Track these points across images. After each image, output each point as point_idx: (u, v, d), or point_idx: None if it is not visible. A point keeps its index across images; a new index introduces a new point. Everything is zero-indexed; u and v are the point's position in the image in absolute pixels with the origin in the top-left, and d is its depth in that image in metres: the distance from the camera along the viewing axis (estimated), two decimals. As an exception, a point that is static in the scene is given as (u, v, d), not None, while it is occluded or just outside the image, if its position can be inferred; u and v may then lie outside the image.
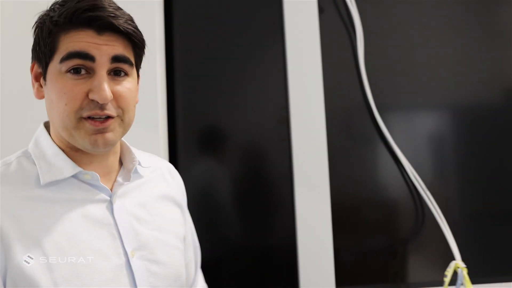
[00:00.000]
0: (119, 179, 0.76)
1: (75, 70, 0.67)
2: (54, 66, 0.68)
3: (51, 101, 0.69)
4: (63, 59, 0.66)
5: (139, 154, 0.80)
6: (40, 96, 0.72)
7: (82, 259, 0.65)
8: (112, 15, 0.67)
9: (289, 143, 1.39)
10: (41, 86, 0.72)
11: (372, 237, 1.42)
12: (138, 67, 0.76)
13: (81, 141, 0.68)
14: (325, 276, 1.34)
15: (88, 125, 0.67)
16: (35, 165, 0.70)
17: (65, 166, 0.70)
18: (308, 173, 1.37)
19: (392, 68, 1.47)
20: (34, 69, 0.73)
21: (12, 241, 0.61)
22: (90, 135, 0.67)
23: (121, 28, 0.67)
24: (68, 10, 0.66)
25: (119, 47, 0.68)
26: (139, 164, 0.78)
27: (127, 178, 0.76)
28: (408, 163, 1.42)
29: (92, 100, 0.66)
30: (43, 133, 0.74)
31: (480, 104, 1.48)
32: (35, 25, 0.71)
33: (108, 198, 0.72)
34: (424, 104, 1.49)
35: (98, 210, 0.70)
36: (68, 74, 0.67)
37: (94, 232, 0.68)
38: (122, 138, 0.76)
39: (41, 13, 0.71)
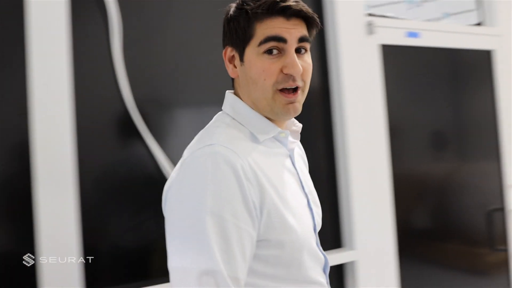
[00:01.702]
0: (290, 138, 0.92)
1: (269, 51, 0.82)
2: (252, 49, 0.84)
3: (250, 78, 0.85)
4: (261, 43, 0.82)
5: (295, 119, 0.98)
6: (235, 75, 0.89)
7: (294, 199, 0.85)
8: (295, 3, 0.82)
9: (29, 138, 1.23)
10: (235, 66, 0.88)
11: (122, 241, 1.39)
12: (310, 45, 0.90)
13: (277, 109, 0.84)
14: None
15: (282, 97, 0.83)
16: (244, 126, 0.87)
17: (270, 128, 0.87)
18: (52, 172, 1.23)
19: (153, 65, 1.46)
20: (228, 53, 0.89)
21: (264, 181, 0.79)
22: (284, 105, 0.84)
23: (303, 13, 0.83)
24: (266, 2, 0.81)
25: (302, 29, 0.84)
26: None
27: (296, 137, 0.95)
28: (168, 160, 1.40)
29: (286, 74, 0.82)
30: (241, 103, 0.89)
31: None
32: (227, 18, 0.88)
33: (288, 152, 0.92)
34: (184, 101, 1.51)
35: (288, 162, 0.91)
36: (265, 55, 0.82)
37: (291, 179, 0.89)
38: None
39: (229, 8, 0.88)
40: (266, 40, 0.82)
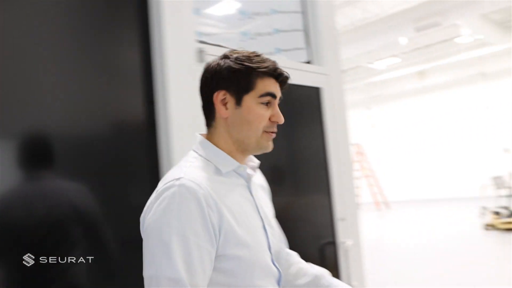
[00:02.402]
0: (248, 171, 1.11)
1: (266, 103, 1.07)
2: (252, 98, 1.06)
3: (245, 120, 1.06)
4: (262, 95, 1.06)
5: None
6: (226, 115, 1.07)
7: (248, 222, 1.04)
8: (285, 74, 1.10)
9: None
10: (226, 108, 1.07)
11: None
12: None
13: (262, 144, 1.09)
14: None
15: (268, 136, 1.09)
16: (210, 162, 1.06)
17: (231, 162, 1.07)
18: None
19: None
20: (219, 96, 1.07)
21: (222, 207, 0.97)
22: (267, 141, 1.09)
23: (286, 81, 1.12)
24: (270, 66, 1.07)
25: (280, 91, 1.11)
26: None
27: (253, 172, 1.13)
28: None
29: (273, 121, 1.08)
30: (209, 144, 1.09)
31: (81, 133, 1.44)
32: (228, 67, 1.06)
33: (246, 183, 1.11)
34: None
35: (246, 191, 1.10)
36: (263, 105, 1.07)
37: (248, 205, 1.08)
38: None
39: (233, 62, 1.06)
40: (266, 94, 1.06)
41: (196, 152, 1.09)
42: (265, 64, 1.06)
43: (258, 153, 1.12)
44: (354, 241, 2.38)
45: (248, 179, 1.11)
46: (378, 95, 14.92)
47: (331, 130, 2.38)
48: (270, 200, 1.25)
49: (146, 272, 0.93)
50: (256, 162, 1.17)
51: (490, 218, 8.05)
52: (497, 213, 7.79)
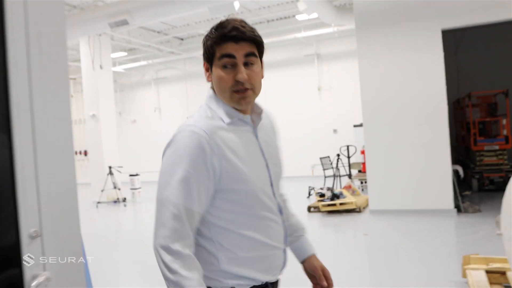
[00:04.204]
0: (254, 118, 1.37)
1: (224, 66, 1.26)
2: (215, 64, 1.28)
3: (215, 83, 1.30)
4: (220, 59, 1.26)
5: (260, 105, 1.39)
6: (209, 80, 1.34)
7: (252, 161, 1.30)
8: (241, 31, 1.24)
9: None
10: (209, 75, 1.33)
11: None
12: (261, 57, 1.33)
13: (234, 103, 1.29)
14: None
15: (236, 95, 1.27)
16: (216, 113, 1.30)
17: (234, 114, 1.30)
18: None
19: None
20: (205, 65, 1.34)
21: (225, 150, 1.23)
22: (238, 99, 1.28)
23: (250, 37, 1.26)
24: (224, 31, 1.24)
25: (247, 48, 1.26)
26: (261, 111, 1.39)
27: (259, 119, 1.37)
28: None
29: (237, 81, 1.25)
30: (214, 97, 1.33)
31: None
32: (203, 42, 1.31)
33: (252, 129, 1.36)
34: None
35: (252, 136, 1.35)
36: (223, 68, 1.26)
37: (252, 147, 1.33)
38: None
39: (206, 34, 1.30)
40: (222, 56, 1.25)
41: (208, 105, 1.33)
42: (221, 31, 1.24)
43: (241, 109, 1.32)
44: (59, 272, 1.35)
45: (255, 126, 1.36)
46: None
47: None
48: (277, 139, 1.50)
49: (157, 195, 1.23)
50: (260, 110, 1.38)
51: (314, 200, 7.91)
52: (322, 195, 7.64)
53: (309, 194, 9.05)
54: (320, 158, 9.77)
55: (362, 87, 7.09)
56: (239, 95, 1.26)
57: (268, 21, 12.33)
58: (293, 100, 13.19)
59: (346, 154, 9.63)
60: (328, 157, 9.93)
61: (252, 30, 1.27)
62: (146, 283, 4.67)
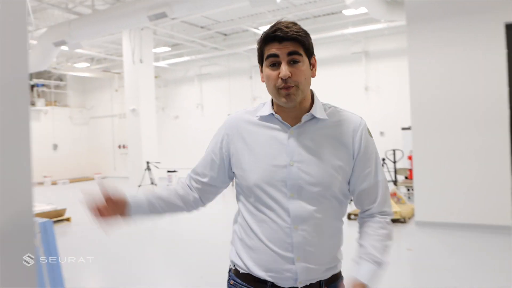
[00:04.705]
0: (302, 119, 1.38)
1: (271, 65, 1.33)
2: (265, 64, 1.35)
3: (265, 82, 1.37)
4: (266, 59, 1.34)
5: (319, 109, 1.40)
6: (262, 80, 1.40)
7: (263, 155, 1.37)
8: (284, 31, 1.29)
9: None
10: (262, 76, 1.39)
11: None
12: (309, 56, 1.36)
13: (280, 100, 1.34)
14: None
15: (282, 92, 1.32)
16: (258, 109, 1.46)
17: (264, 112, 1.42)
18: None
19: None
20: (260, 67, 1.41)
21: (238, 138, 1.43)
22: (282, 97, 1.33)
23: (292, 36, 1.29)
24: (268, 32, 1.32)
25: (290, 47, 1.30)
26: (314, 115, 1.38)
27: (302, 120, 1.38)
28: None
29: (281, 79, 1.30)
30: (269, 98, 1.46)
31: None
32: (257, 46, 1.39)
33: (286, 128, 1.38)
34: None
35: (281, 134, 1.37)
36: (270, 67, 1.33)
37: (274, 144, 1.37)
38: (316, 101, 1.41)
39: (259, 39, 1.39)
40: (268, 57, 1.33)
41: (262, 103, 1.48)
42: (266, 32, 1.32)
43: (287, 107, 1.37)
44: None
45: (286, 126, 1.38)
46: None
47: None
48: (338, 148, 1.37)
49: None
50: (305, 117, 1.38)
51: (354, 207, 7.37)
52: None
53: (351, 200, 8.48)
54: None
55: (411, 87, 6.49)
56: (284, 91, 1.31)
57: (314, 16, 11.84)
58: (338, 100, 12.59)
59: (392, 159, 9.00)
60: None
61: (298, 30, 1.31)
62: (181, 283, 4.39)
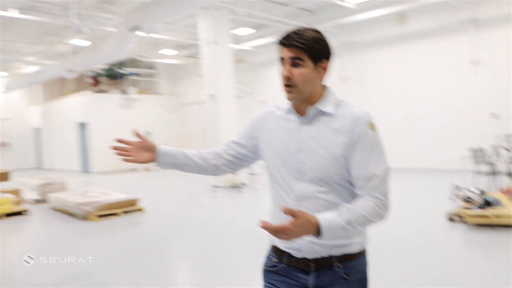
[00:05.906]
0: (310, 113, 1.57)
1: (282, 64, 1.53)
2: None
3: None
4: (279, 60, 1.54)
5: (329, 104, 1.56)
6: None
7: (279, 144, 1.60)
8: (291, 38, 1.48)
9: None
10: None
11: None
12: (315, 61, 1.51)
13: (286, 96, 1.56)
14: None
15: (285, 89, 1.53)
16: (285, 104, 1.63)
17: (283, 108, 1.64)
18: None
19: None
20: None
21: (263, 128, 1.68)
22: (286, 93, 1.54)
23: (293, 44, 1.48)
24: (280, 38, 1.51)
25: (293, 53, 1.49)
26: (320, 110, 1.55)
27: (309, 114, 1.56)
28: None
29: (283, 78, 1.52)
30: None
31: None
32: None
33: (298, 120, 1.58)
34: None
35: (296, 126, 1.58)
36: (281, 66, 1.53)
37: (288, 134, 1.58)
38: (326, 98, 1.57)
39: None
40: (280, 58, 1.53)
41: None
42: (279, 36, 1.53)
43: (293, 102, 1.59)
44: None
45: (300, 119, 1.58)
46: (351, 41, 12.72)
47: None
48: (338, 138, 1.51)
49: None
50: (312, 111, 1.56)
51: (458, 206, 6.09)
52: (468, 200, 5.82)
53: (456, 197, 7.08)
54: (472, 150, 7.72)
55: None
56: (286, 89, 1.54)
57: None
58: (439, 76, 11.05)
59: (507, 146, 7.45)
60: (482, 148, 7.81)
61: (305, 39, 1.48)
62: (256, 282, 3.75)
